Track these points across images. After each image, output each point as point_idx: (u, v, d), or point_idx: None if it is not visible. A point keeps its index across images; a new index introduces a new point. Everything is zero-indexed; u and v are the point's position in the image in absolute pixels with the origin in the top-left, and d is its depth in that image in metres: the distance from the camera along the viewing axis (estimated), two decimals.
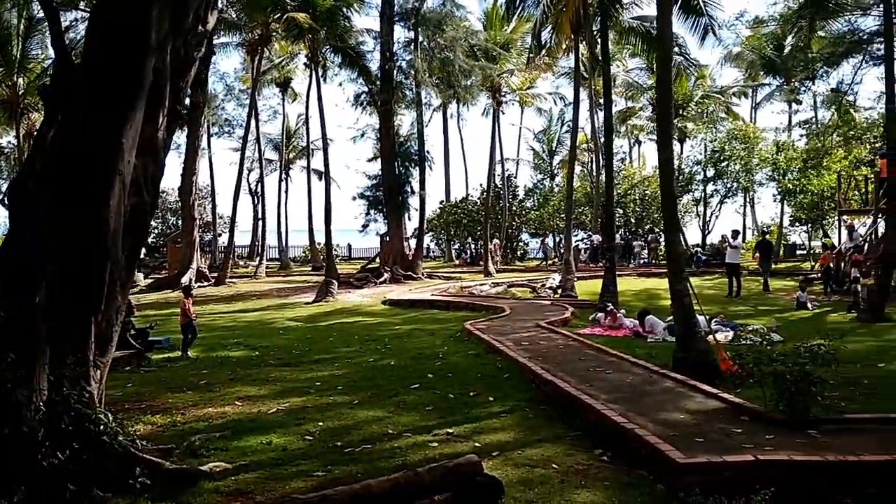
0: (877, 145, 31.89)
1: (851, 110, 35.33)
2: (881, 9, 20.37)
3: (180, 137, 34.79)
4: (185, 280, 28.55)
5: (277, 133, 51.68)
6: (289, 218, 50.46)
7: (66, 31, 26.49)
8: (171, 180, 36.43)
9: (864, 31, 26.37)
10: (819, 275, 24.78)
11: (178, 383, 10.64)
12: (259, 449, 7.14)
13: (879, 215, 23.72)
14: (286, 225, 49.77)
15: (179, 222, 36.64)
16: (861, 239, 25.83)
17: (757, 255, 26.89)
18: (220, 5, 30.40)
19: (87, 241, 6.26)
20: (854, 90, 31.10)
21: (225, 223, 42.95)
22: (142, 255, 37.42)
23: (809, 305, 19.69)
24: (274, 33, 33.75)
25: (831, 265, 23.87)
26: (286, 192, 51.08)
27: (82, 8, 23.48)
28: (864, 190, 28.63)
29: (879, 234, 23.80)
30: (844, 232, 26.98)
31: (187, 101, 30.71)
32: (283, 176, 50.70)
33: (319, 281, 27.06)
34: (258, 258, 40.04)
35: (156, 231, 45.25)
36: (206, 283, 30.71)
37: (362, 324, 18.19)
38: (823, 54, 28.75)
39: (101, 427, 5.95)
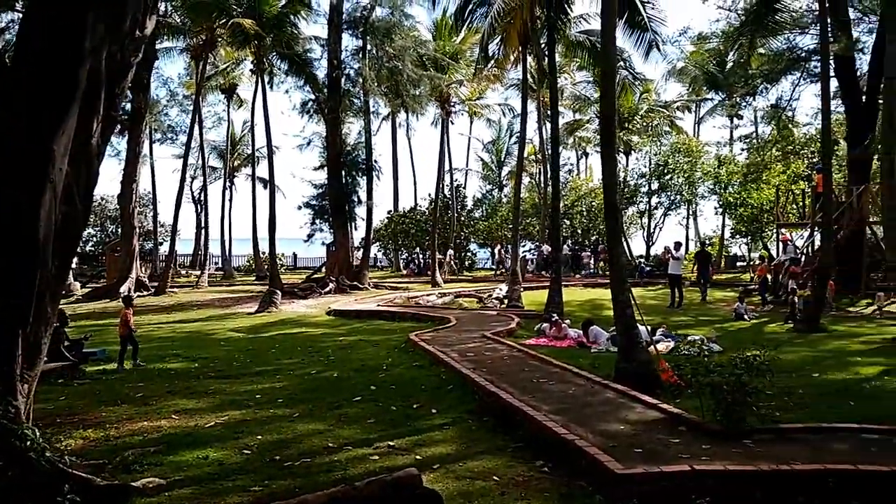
0: (814, 160, 32.86)
1: (790, 126, 36.37)
2: (818, 28, 21.01)
3: (121, 144, 34.12)
4: (123, 289, 27.96)
5: (222, 140, 50.93)
6: (233, 227, 49.83)
7: (2, 32, 25.77)
8: (111, 187, 35.73)
9: (803, 49, 27.28)
10: (756, 286, 25.37)
11: (112, 396, 10.34)
12: (195, 464, 6.97)
13: (816, 228, 24.42)
14: (230, 234, 49.10)
15: (119, 230, 35.76)
16: (798, 251, 26.58)
17: (695, 265, 27.47)
18: (162, 9, 29.96)
19: (17, 249, 6.06)
20: (792, 106, 31.93)
21: (167, 232, 42.09)
22: (80, 264, 36.69)
23: (747, 316, 20.11)
24: (219, 39, 33.30)
25: (768, 276, 24.48)
26: (230, 200, 50.40)
27: (18, 9, 22.81)
28: (801, 204, 29.43)
29: (816, 247, 24.50)
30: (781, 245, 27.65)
31: (128, 106, 30.19)
32: (228, 184, 50.00)
33: (263, 291, 26.69)
34: (200, 267, 39.36)
35: (94, 239, 44.20)
36: (145, 293, 30.05)
37: (305, 335, 17.97)
38: (763, 71, 29.55)
39: (28, 443, 5.76)
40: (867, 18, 26.90)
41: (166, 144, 49.98)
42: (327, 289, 29.49)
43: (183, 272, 43.89)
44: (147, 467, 6.80)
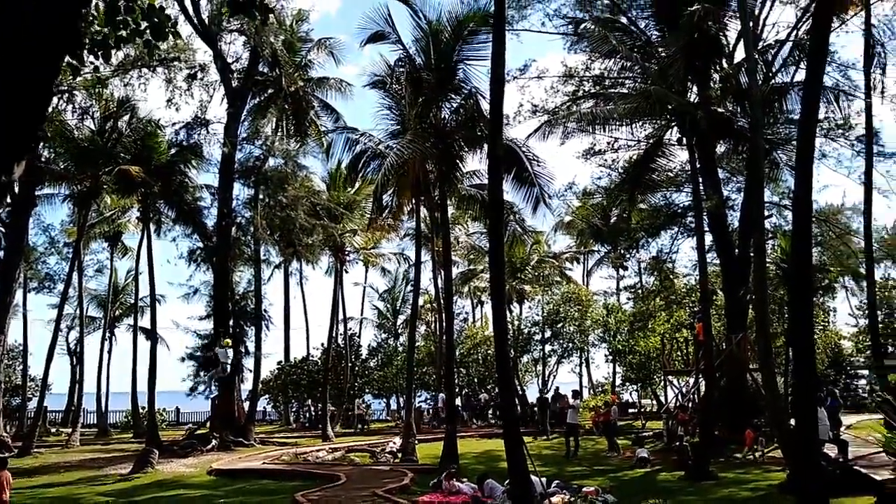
0: (695, 309, 34.16)
1: (671, 276, 37.99)
2: (691, 187, 22.36)
3: None
4: None
5: (103, 289, 48.73)
6: (111, 380, 46.94)
7: None
8: None
9: (679, 205, 28.94)
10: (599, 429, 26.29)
11: None
12: None
13: (700, 375, 24.99)
14: (107, 388, 46.14)
15: None
16: (685, 398, 27.10)
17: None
18: (45, 155, 29.19)
19: None
20: (672, 258, 33.38)
21: (37, 386, 39.18)
22: None
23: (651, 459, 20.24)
24: (104, 186, 32.36)
25: (611, 420, 25.16)
26: (109, 352, 47.74)
27: None
28: (685, 351, 30.28)
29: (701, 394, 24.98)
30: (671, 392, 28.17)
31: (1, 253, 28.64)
32: (108, 335, 47.52)
33: (140, 449, 24.83)
34: (72, 425, 36.55)
35: None
36: (7, 454, 27.34)
37: (182, 498, 16.65)
38: (644, 225, 31.02)
39: None
40: (735, 178, 28.92)
41: (43, 293, 47.19)
42: (210, 445, 27.71)
43: (53, 430, 40.63)
44: None
